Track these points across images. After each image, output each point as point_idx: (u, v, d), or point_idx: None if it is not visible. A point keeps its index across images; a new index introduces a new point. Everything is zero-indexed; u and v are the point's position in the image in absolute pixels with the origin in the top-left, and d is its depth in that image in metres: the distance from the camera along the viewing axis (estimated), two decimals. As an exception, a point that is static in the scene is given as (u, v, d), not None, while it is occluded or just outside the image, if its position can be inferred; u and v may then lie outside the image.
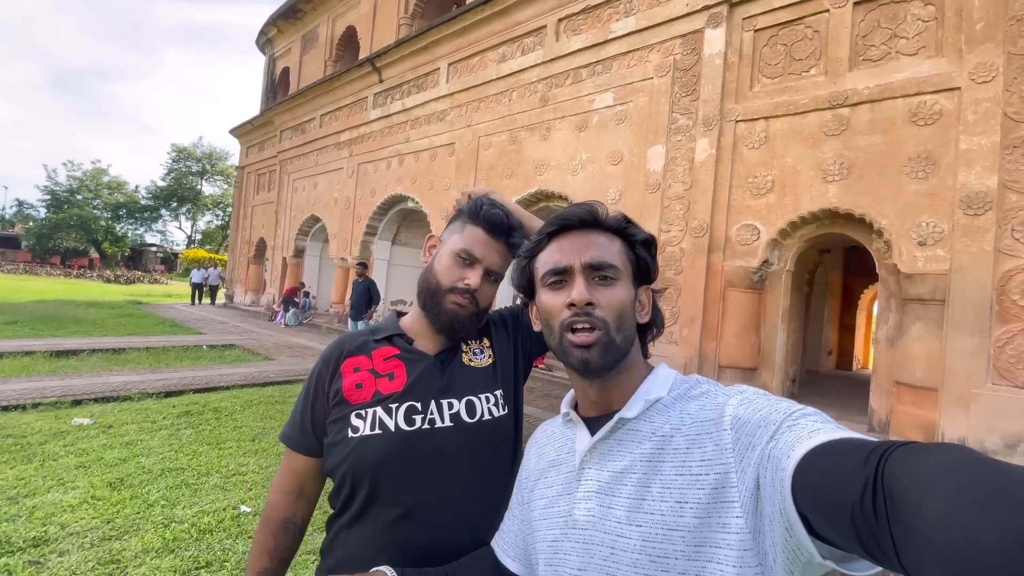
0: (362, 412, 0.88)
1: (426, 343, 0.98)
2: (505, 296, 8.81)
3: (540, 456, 0.77)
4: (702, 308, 5.76)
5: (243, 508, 2.94)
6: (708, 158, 5.78)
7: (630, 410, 0.64)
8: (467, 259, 0.95)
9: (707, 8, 5.86)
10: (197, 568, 2.35)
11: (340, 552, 0.90)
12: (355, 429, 0.87)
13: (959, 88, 4.37)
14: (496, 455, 0.93)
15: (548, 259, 0.70)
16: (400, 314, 1.06)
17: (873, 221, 4.71)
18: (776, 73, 5.48)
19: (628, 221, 0.72)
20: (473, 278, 0.93)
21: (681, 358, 5.83)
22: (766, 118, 5.45)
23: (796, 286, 6.04)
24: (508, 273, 0.96)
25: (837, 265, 10.38)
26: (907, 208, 4.54)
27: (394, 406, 0.88)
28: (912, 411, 4.42)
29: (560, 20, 7.43)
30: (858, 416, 5.31)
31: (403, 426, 0.87)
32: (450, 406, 0.91)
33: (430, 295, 0.96)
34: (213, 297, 17.88)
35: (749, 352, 5.58)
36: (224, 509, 2.91)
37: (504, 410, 0.95)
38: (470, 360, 0.98)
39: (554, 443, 0.75)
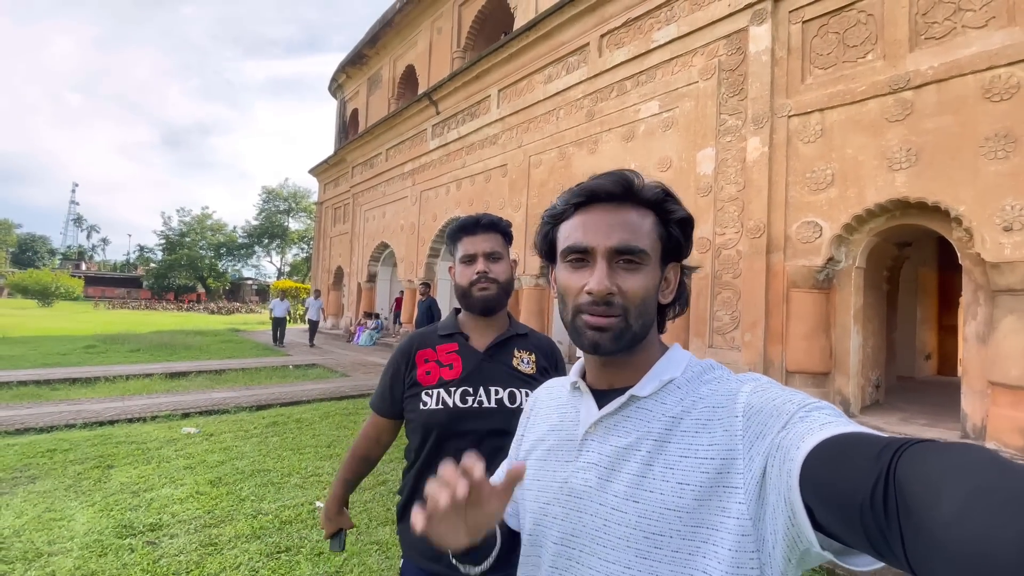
0: (430, 392, 1.22)
1: (478, 339, 1.30)
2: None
3: (541, 418, 0.76)
4: (764, 311, 5.53)
5: (318, 504, 3.27)
6: (760, 156, 5.61)
7: (643, 389, 0.63)
8: (468, 259, 1.28)
9: (750, 6, 5.76)
10: (279, 552, 2.68)
11: (408, 492, 1.27)
12: (424, 403, 1.22)
13: (1041, 56, 3.98)
14: None
15: (570, 234, 0.65)
16: (459, 310, 1.38)
17: (949, 208, 4.34)
18: (829, 63, 5.25)
19: (667, 194, 0.65)
20: (479, 266, 1.26)
21: (745, 364, 5.60)
22: (821, 110, 5.22)
23: (871, 284, 5.62)
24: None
25: (929, 260, 9.39)
26: (987, 191, 4.15)
27: (452, 388, 1.22)
28: (1010, 414, 3.96)
29: (602, 36, 7.59)
30: (951, 423, 4.80)
31: (458, 403, 1.20)
32: (496, 392, 1.22)
33: (462, 296, 1.30)
34: (312, 335, 13.59)
35: (819, 356, 5.25)
36: (302, 504, 3.27)
37: None
38: (518, 364, 1.29)
39: (558, 408, 0.74)
